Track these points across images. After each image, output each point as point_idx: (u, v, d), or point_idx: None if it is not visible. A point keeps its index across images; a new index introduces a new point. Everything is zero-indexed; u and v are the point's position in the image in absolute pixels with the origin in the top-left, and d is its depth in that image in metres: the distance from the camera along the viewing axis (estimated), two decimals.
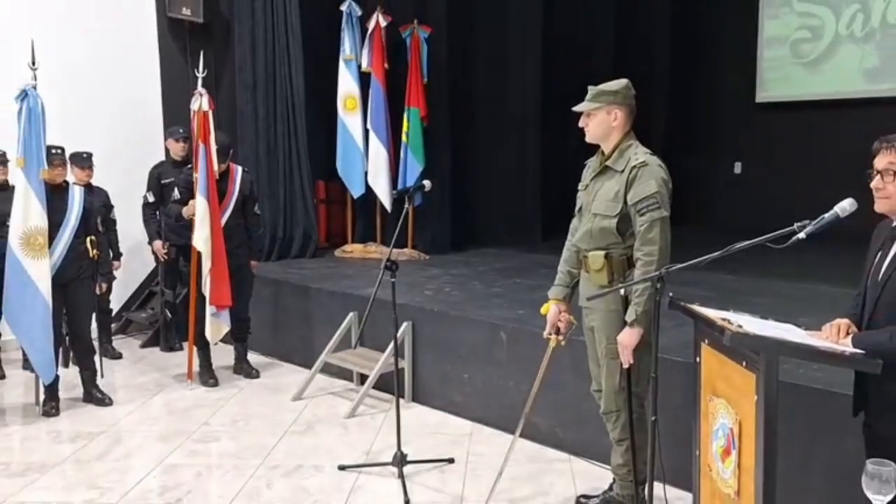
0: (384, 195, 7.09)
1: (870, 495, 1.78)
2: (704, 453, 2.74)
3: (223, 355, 5.77)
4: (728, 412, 2.52)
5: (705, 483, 2.76)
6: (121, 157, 6.36)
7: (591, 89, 3.25)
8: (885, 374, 2.21)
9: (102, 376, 5.24)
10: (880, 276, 2.40)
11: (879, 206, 2.38)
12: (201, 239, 5.17)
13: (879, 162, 2.34)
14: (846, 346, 2.32)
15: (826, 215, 2.34)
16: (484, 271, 6.50)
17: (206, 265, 5.20)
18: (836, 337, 2.39)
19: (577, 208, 3.44)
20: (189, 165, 5.42)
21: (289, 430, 4.66)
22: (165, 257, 6.06)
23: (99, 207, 5.52)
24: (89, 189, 5.57)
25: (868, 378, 2.37)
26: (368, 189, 7.15)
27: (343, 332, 5.37)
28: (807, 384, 3.27)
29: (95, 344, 5.29)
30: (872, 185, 2.36)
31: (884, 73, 8.43)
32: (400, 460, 3.94)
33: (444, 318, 4.96)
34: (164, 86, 7.04)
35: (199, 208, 5.17)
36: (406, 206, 4.24)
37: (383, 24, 7.00)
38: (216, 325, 5.31)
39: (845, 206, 2.34)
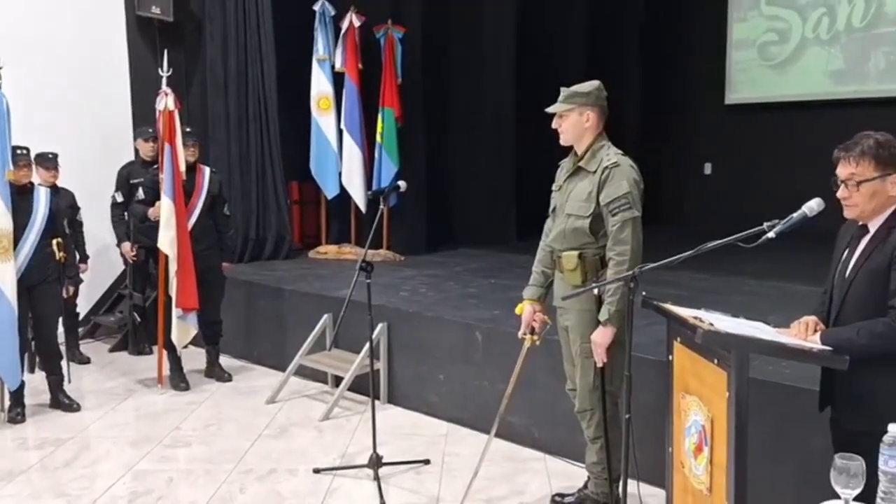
0: (359, 196, 7.07)
1: (838, 489, 1.81)
2: (677, 450, 2.77)
3: (194, 359, 5.71)
4: (700, 409, 2.55)
5: (678, 479, 2.79)
6: (88, 158, 6.28)
7: (564, 91, 3.27)
8: (852, 370, 2.26)
9: (70, 381, 5.17)
10: (847, 274, 2.44)
11: (848, 214, 2.43)
12: (166, 241, 5.12)
13: (841, 172, 2.39)
14: (814, 343, 2.36)
15: (794, 215, 2.38)
16: (459, 272, 6.51)
17: (173, 267, 5.15)
18: (804, 334, 2.43)
19: (550, 209, 3.47)
20: (156, 166, 5.37)
21: (262, 434, 4.63)
22: (134, 259, 5.99)
23: (65, 209, 5.44)
24: (55, 190, 5.49)
25: (835, 374, 2.41)
26: (343, 190, 7.12)
27: (317, 334, 5.35)
28: (776, 381, 3.31)
29: (62, 348, 5.22)
30: (838, 194, 2.40)
31: (849, 75, 8.58)
32: (375, 462, 3.93)
33: (419, 319, 4.96)
34: (134, 85, 6.96)
35: (164, 209, 5.11)
36: (381, 206, 4.25)
37: (357, 24, 6.98)
38: (183, 328, 5.25)
39: (813, 205, 2.38)
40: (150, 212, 5.25)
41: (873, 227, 2.39)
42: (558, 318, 3.43)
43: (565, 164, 3.41)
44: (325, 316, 5.37)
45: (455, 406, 4.73)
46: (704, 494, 2.53)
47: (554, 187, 3.45)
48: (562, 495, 3.66)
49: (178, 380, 5.43)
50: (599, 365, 3.20)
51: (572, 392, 3.46)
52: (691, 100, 9.83)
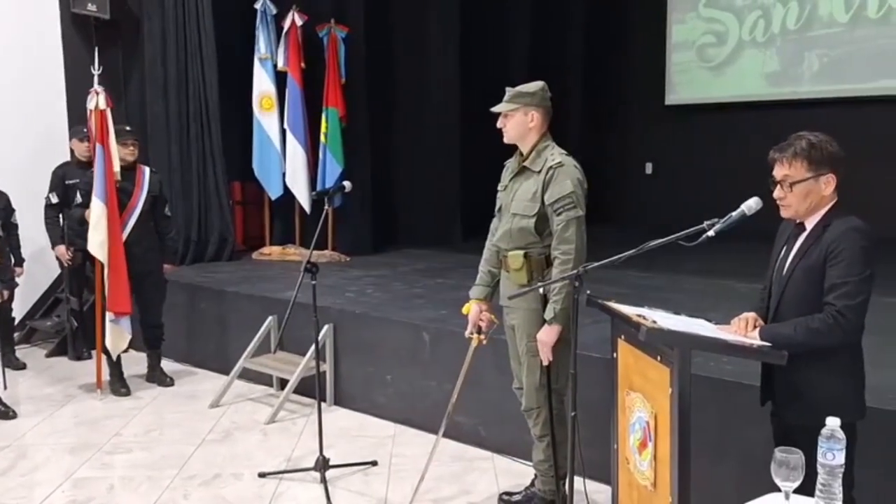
0: (303, 196, 7.00)
1: (778, 482, 1.85)
2: (622, 446, 2.80)
3: (135, 363, 5.58)
4: (644, 406, 2.58)
5: (623, 475, 2.82)
6: (22, 159, 6.10)
7: (509, 91, 3.29)
8: (791, 366, 2.32)
9: (5, 388, 5.04)
10: (784, 271, 2.50)
11: (784, 214, 2.49)
12: (96, 243, 5.00)
13: (777, 173, 2.45)
14: (754, 339, 2.41)
15: (733, 213, 2.42)
16: (405, 272, 6.50)
17: (105, 271, 5.03)
18: (744, 330, 2.48)
19: (496, 208, 3.48)
20: (93, 168, 5.24)
21: (206, 439, 4.55)
22: (70, 262, 5.83)
23: None
24: None
25: (774, 369, 2.47)
26: (286, 190, 7.05)
27: (262, 337, 5.28)
28: (718, 377, 3.38)
29: None
30: (774, 195, 2.46)
31: (784, 77, 8.82)
32: (322, 465, 3.90)
33: (365, 320, 4.94)
34: (69, 84, 6.76)
35: (95, 211, 4.99)
36: (326, 207, 4.21)
37: (299, 22, 6.92)
38: (117, 333, 5.11)
39: (751, 204, 2.43)
40: (87, 213, 5.12)
41: (809, 225, 2.46)
42: (505, 317, 3.45)
43: (510, 164, 3.43)
44: (270, 318, 5.31)
45: (402, 407, 4.72)
46: (649, 490, 2.57)
47: (499, 187, 3.46)
48: (509, 494, 3.68)
49: (119, 385, 5.31)
50: (545, 363, 3.22)
51: (519, 391, 3.48)
52: (632, 100, 10.00)
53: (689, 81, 9.56)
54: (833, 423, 1.82)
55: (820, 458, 1.81)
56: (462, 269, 6.08)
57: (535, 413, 3.39)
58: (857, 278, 2.30)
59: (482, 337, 3.51)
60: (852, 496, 2.25)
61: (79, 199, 5.27)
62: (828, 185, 2.40)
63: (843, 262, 2.31)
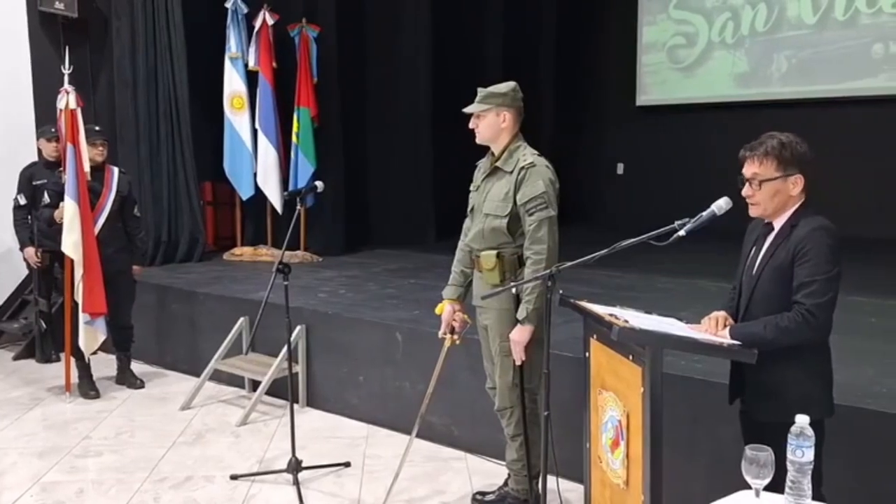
0: (275, 197, 6.96)
1: (749, 479, 1.86)
2: (595, 445, 2.82)
3: (105, 366, 5.51)
4: (616, 405, 2.60)
5: (596, 474, 2.84)
6: None
7: (481, 91, 3.30)
8: (760, 364, 2.34)
9: None
10: (754, 270, 2.53)
11: (753, 212, 2.52)
12: (70, 244, 4.93)
13: (746, 171, 2.47)
14: (724, 338, 2.44)
15: (704, 213, 2.45)
16: (378, 272, 6.48)
17: (79, 271, 4.96)
18: (714, 329, 2.50)
19: (469, 209, 3.48)
20: (61, 168, 5.17)
21: (177, 441, 4.50)
22: (39, 264, 5.74)
23: None
24: None
25: (744, 367, 2.50)
26: (258, 190, 7.00)
27: (233, 338, 5.24)
28: (689, 375, 3.41)
29: None
30: (743, 193, 2.49)
31: (752, 78, 8.94)
32: (295, 467, 3.87)
33: (338, 321, 4.92)
34: (36, 83, 6.66)
35: (68, 211, 4.93)
36: (298, 207, 4.18)
37: (270, 22, 6.88)
38: (91, 334, 5.05)
39: (721, 204, 2.45)
40: (56, 214, 5.06)
41: (777, 224, 2.49)
42: (478, 317, 3.45)
43: (483, 165, 3.43)
44: (242, 319, 5.27)
45: (375, 407, 4.71)
46: (621, 488, 2.58)
47: (472, 187, 3.47)
48: (483, 493, 3.68)
49: (88, 387, 5.24)
50: (518, 363, 3.23)
51: (492, 390, 3.48)
52: (604, 101, 10.07)
53: (659, 82, 9.65)
54: (802, 420, 1.84)
55: (789, 456, 1.82)
56: (435, 269, 6.08)
57: (508, 413, 3.39)
58: (825, 277, 2.33)
59: (455, 337, 3.51)
60: (821, 492, 2.27)
61: (47, 199, 5.20)
62: (796, 185, 2.43)
63: (811, 261, 2.34)
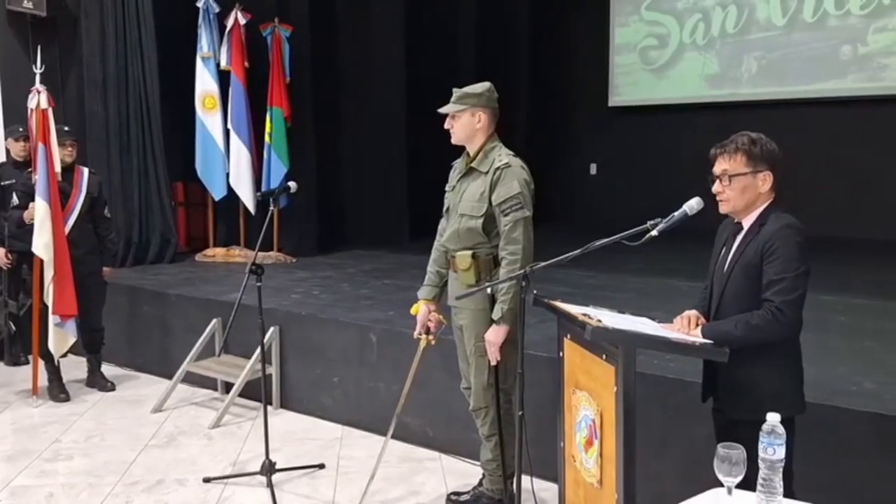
0: (247, 197, 6.90)
1: (721, 477, 1.88)
2: (569, 445, 2.83)
3: (75, 368, 5.45)
4: (590, 404, 2.61)
5: (570, 473, 2.85)
6: None
7: (456, 91, 3.30)
8: (732, 362, 2.37)
9: None
10: (725, 269, 2.56)
11: (723, 209, 2.55)
12: (41, 244, 4.87)
13: (717, 168, 2.51)
14: (696, 337, 2.46)
15: (676, 213, 2.47)
16: (352, 273, 6.46)
17: (49, 272, 4.89)
18: (686, 328, 2.53)
19: (444, 209, 3.48)
20: (30, 169, 5.09)
21: (149, 444, 4.45)
22: (8, 266, 5.65)
23: None
24: None
25: (716, 366, 2.52)
26: (230, 191, 6.94)
27: (206, 340, 5.19)
28: (661, 374, 3.44)
29: None
30: (713, 190, 2.52)
31: (723, 79, 9.04)
32: (268, 469, 3.85)
33: (312, 322, 4.89)
34: (4, 83, 6.54)
35: (39, 212, 4.86)
36: (271, 208, 4.15)
37: (242, 21, 6.83)
38: (61, 336, 4.98)
39: (693, 204, 2.47)
40: (25, 215, 4.98)
41: (747, 223, 2.52)
42: (453, 317, 3.45)
43: (458, 165, 3.43)
44: (214, 321, 5.22)
45: (350, 409, 4.69)
46: (595, 487, 2.60)
47: (447, 188, 3.47)
48: (457, 493, 3.68)
49: (58, 390, 5.16)
50: (493, 363, 3.24)
51: (467, 391, 3.49)
52: (577, 102, 10.12)
53: (632, 83, 9.72)
54: (773, 418, 1.86)
55: (761, 453, 1.84)
56: (409, 269, 6.08)
57: (482, 413, 3.40)
58: (794, 274, 2.36)
59: (431, 338, 3.51)
60: (792, 489, 2.30)
61: (15, 200, 5.12)
62: (765, 182, 2.46)
63: (780, 259, 2.38)
